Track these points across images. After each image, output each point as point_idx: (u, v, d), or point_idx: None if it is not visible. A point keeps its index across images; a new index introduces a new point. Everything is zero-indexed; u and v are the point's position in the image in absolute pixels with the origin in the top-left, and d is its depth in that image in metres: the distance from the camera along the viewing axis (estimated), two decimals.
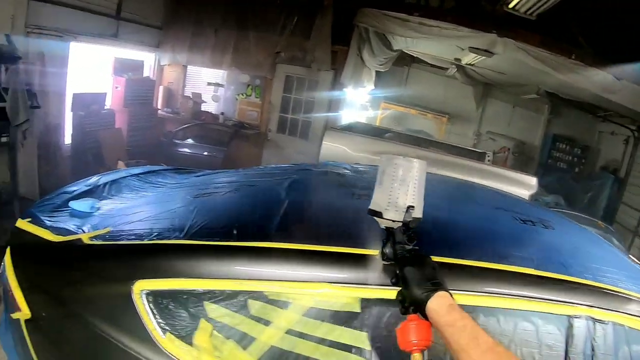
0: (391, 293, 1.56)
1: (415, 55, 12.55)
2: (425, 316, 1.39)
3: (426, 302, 1.36)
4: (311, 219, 2.34)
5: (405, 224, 1.59)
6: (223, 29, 10.20)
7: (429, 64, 13.49)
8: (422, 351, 1.34)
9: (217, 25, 10.19)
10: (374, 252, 1.79)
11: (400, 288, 1.50)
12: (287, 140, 10.62)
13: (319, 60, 9.69)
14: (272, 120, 10.82)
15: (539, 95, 12.52)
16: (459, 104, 14.63)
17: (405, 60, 13.88)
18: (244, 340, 1.69)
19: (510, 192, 4.22)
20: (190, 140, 10.02)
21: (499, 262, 1.93)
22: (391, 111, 14.04)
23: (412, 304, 1.42)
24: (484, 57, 8.61)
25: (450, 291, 1.44)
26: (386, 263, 1.65)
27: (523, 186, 4.70)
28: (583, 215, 8.17)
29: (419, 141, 6.43)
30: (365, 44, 9.33)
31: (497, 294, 1.84)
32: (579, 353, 1.81)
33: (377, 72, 12.61)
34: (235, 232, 2.02)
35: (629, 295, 1.97)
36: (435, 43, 9.23)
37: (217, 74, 11.47)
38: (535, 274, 1.93)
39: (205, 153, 9.66)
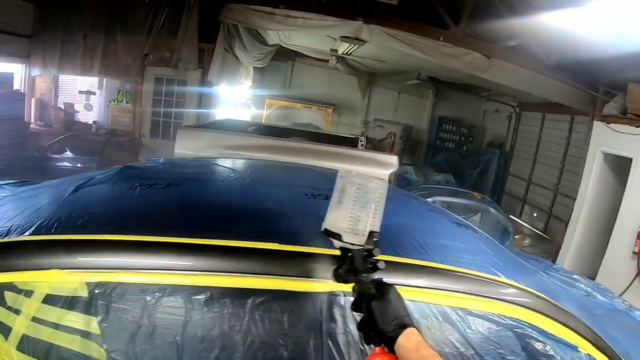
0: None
1: (295, 50, 12.43)
2: (390, 349, 1.30)
3: (395, 340, 1.28)
4: None
5: (367, 250, 1.45)
6: (92, 34, 9.50)
7: (312, 57, 13.48)
8: None
9: (86, 31, 9.51)
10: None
11: (362, 317, 1.39)
12: (161, 144, 10.04)
13: (186, 60, 9.29)
14: (144, 125, 10.35)
15: (420, 80, 12.70)
16: (344, 94, 14.78)
17: (289, 55, 13.86)
18: (4, 331, 1.63)
19: (373, 173, 4.06)
20: (67, 153, 9.43)
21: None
22: (276, 107, 13.86)
23: (379, 340, 1.33)
24: (356, 46, 8.58)
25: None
26: (338, 284, 1.55)
27: (384, 166, 4.57)
28: (461, 190, 8.39)
29: (283, 132, 6.33)
30: (236, 40, 9.06)
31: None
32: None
33: (259, 68, 12.51)
34: None
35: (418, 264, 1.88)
36: (308, 35, 9.15)
37: (92, 82, 10.73)
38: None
39: (79, 165, 9.11)
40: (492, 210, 6.93)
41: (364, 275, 1.43)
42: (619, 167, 7.47)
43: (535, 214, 11.86)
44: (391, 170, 4.55)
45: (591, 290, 3.28)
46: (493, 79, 8.46)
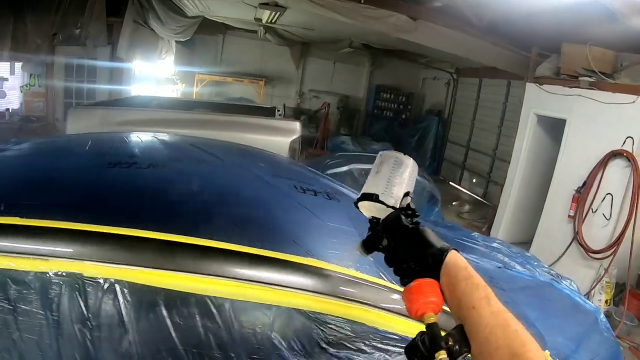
0: None
1: (223, 22, 11.87)
2: (432, 275, 1.23)
3: (446, 255, 1.23)
4: None
5: (404, 207, 1.47)
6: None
7: (242, 29, 13.05)
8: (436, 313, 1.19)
9: None
10: None
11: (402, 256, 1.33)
12: None
13: (94, 36, 8.70)
14: (57, 109, 9.85)
15: (354, 48, 12.49)
16: (277, 66, 14.42)
17: (218, 28, 13.31)
18: None
19: (274, 141, 4.27)
20: None
21: None
22: (207, 83, 13.31)
23: (431, 259, 1.25)
24: (278, 13, 8.25)
25: None
26: (366, 255, 1.48)
27: (286, 133, 4.65)
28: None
29: (189, 105, 6.05)
30: (149, 12, 8.49)
31: None
32: None
33: (188, 43, 11.95)
34: None
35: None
36: (226, 4, 8.71)
37: (4, 68, 10.04)
38: None
39: None
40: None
41: (407, 219, 1.40)
42: (553, 129, 7.28)
43: (474, 180, 11.83)
44: (293, 137, 4.50)
45: (509, 261, 3.01)
46: (422, 43, 8.24)
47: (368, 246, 1.46)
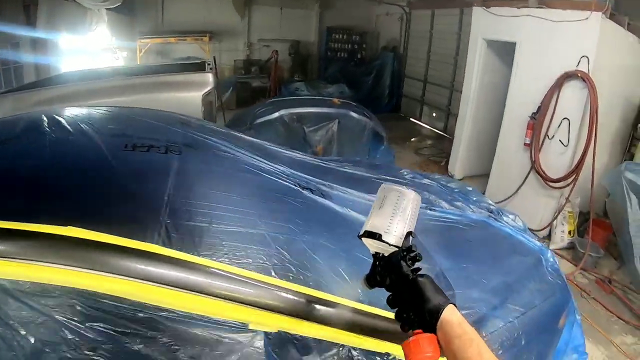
0: None
1: None
2: (430, 329, 1.30)
3: (439, 315, 1.29)
4: None
5: (406, 249, 1.48)
6: None
7: None
8: None
9: None
10: None
11: (397, 308, 1.41)
12: None
13: (8, 14, 8.03)
14: None
15: None
16: (221, 19, 13.79)
17: None
18: None
19: (186, 97, 4.18)
20: None
21: None
22: (149, 47, 12.65)
23: (428, 315, 1.31)
24: None
25: None
26: (369, 289, 1.53)
27: (196, 87, 4.41)
28: (318, 98, 8.07)
29: (106, 75, 5.66)
30: None
31: None
32: None
33: (126, 9, 11.32)
34: None
35: None
36: None
37: None
38: None
39: None
40: (353, 115, 6.33)
41: (405, 266, 1.45)
42: (504, 54, 6.97)
43: (434, 114, 11.64)
44: (205, 90, 4.38)
45: (435, 199, 2.76)
46: None
47: (371, 282, 1.52)
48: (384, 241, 1.50)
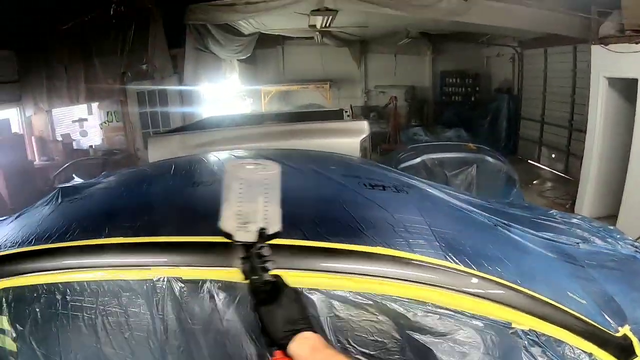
0: None
1: (279, 34, 12.15)
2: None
3: (286, 347, 1.25)
4: None
5: (258, 248, 1.39)
6: (72, 65, 9.56)
7: (299, 37, 13.17)
8: None
9: (65, 62, 9.58)
10: None
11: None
12: None
13: (160, 68, 9.19)
14: (137, 139, 10.55)
15: (412, 38, 12.39)
16: (339, 68, 14.53)
17: (276, 40, 13.69)
18: None
19: (344, 143, 4.24)
20: (75, 180, 9.46)
21: None
22: (273, 94, 13.58)
23: (274, 345, 1.28)
24: (331, 17, 8.40)
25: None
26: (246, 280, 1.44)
27: (353, 134, 4.50)
28: (453, 143, 8.06)
29: (255, 119, 6.23)
30: (208, 38, 8.87)
31: None
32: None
33: (249, 60, 12.34)
34: None
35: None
36: (277, 17, 8.96)
37: (82, 109, 10.90)
38: None
39: None
40: (489, 159, 6.49)
41: (255, 277, 1.36)
42: (627, 90, 6.90)
43: (553, 155, 11.38)
44: (362, 137, 4.47)
45: (588, 236, 2.91)
46: (478, 21, 8.05)
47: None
48: (238, 242, 1.41)
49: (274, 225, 1.44)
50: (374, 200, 2.15)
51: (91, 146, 10.62)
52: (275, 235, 1.44)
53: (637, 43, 6.29)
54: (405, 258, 1.69)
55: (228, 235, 1.41)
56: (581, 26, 7.59)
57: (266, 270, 1.35)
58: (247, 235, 1.39)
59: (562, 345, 1.68)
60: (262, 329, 1.31)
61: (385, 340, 1.59)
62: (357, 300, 1.58)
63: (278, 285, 1.36)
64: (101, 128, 10.90)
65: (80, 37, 9.40)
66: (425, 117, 15.09)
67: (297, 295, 1.39)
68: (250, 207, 1.42)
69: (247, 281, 1.40)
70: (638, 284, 2.44)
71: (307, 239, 1.69)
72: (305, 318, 1.32)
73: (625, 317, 1.93)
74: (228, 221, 1.42)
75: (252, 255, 1.38)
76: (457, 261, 1.74)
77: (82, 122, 10.76)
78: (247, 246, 1.40)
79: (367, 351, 1.56)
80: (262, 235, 1.40)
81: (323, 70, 14.36)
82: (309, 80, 14.03)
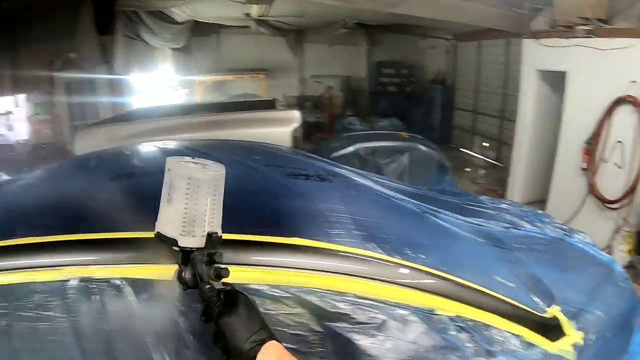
0: None
1: (213, 22, 11.89)
2: None
3: (254, 358, 1.16)
4: None
5: (208, 255, 1.29)
6: None
7: (235, 26, 12.98)
8: None
9: None
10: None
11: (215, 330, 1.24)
12: None
13: (88, 57, 8.79)
14: (64, 133, 9.96)
15: (348, 28, 12.44)
16: (274, 57, 14.45)
17: (212, 29, 13.41)
18: None
19: (274, 132, 4.28)
20: (2, 176, 8.98)
21: None
22: (208, 84, 13.32)
23: (237, 358, 1.19)
24: (268, 5, 8.29)
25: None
26: (185, 290, 1.31)
27: (284, 123, 4.60)
28: (386, 132, 8.20)
29: (186, 110, 6.09)
30: (140, 25, 8.58)
31: None
32: None
33: (184, 49, 12.06)
34: None
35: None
36: (211, 4, 8.72)
37: (8, 102, 10.26)
38: None
39: None
40: (421, 147, 6.57)
41: (208, 285, 1.25)
42: (556, 83, 7.18)
43: (485, 144, 11.72)
44: (293, 126, 4.52)
45: (518, 220, 2.99)
46: (414, 13, 8.09)
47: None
48: (182, 247, 1.29)
49: (218, 229, 1.35)
50: (295, 190, 2.12)
51: (17, 141, 10.08)
52: (219, 240, 1.35)
53: (567, 38, 6.52)
54: (324, 248, 1.66)
55: (169, 240, 1.29)
56: (514, 21, 7.81)
57: (220, 277, 1.27)
58: (193, 240, 1.29)
59: (489, 330, 1.70)
60: (223, 341, 1.21)
61: (305, 333, 1.56)
62: (273, 293, 1.54)
63: (232, 293, 1.28)
64: (29, 122, 10.27)
65: (4, 22, 8.91)
66: (360, 107, 15.20)
67: (253, 301, 1.30)
68: (197, 209, 1.30)
69: (185, 288, 1.31)
70: (566, 265, 2.53)
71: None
72: (266, 326, 1.25)
73: (554, 297, 2.01)
74: (169, 224, 1.29)
75: (195, 262, 1.28)
76: (379, 250, 1.73)
77: (7, 116, 10.18)
78: (187, 252, 1.30)
79: (288, 345, 1.46)
80: (213, 240, 1.31)
81: (259, 60, 14.24)
82: (245, 70, 13.86)
